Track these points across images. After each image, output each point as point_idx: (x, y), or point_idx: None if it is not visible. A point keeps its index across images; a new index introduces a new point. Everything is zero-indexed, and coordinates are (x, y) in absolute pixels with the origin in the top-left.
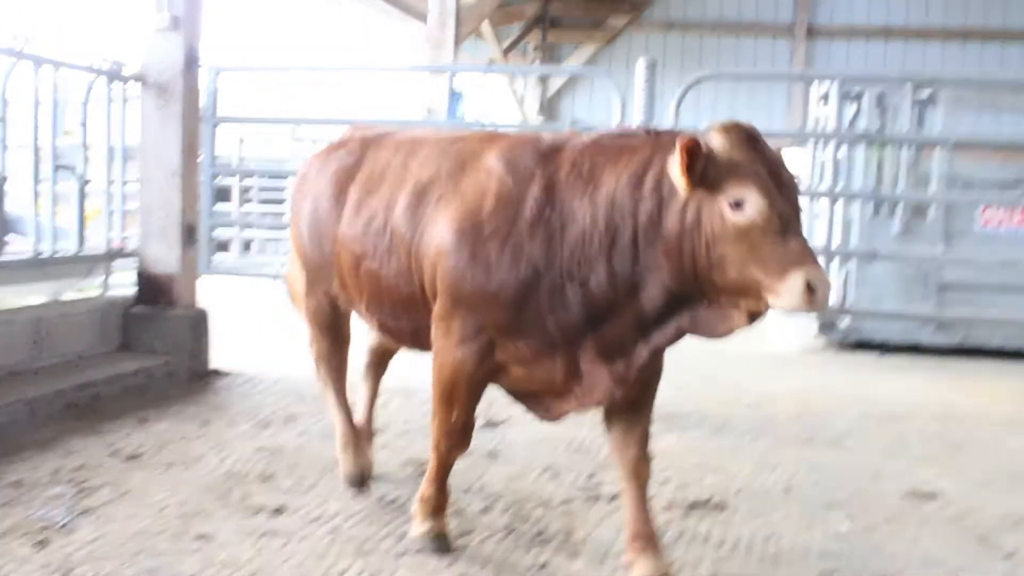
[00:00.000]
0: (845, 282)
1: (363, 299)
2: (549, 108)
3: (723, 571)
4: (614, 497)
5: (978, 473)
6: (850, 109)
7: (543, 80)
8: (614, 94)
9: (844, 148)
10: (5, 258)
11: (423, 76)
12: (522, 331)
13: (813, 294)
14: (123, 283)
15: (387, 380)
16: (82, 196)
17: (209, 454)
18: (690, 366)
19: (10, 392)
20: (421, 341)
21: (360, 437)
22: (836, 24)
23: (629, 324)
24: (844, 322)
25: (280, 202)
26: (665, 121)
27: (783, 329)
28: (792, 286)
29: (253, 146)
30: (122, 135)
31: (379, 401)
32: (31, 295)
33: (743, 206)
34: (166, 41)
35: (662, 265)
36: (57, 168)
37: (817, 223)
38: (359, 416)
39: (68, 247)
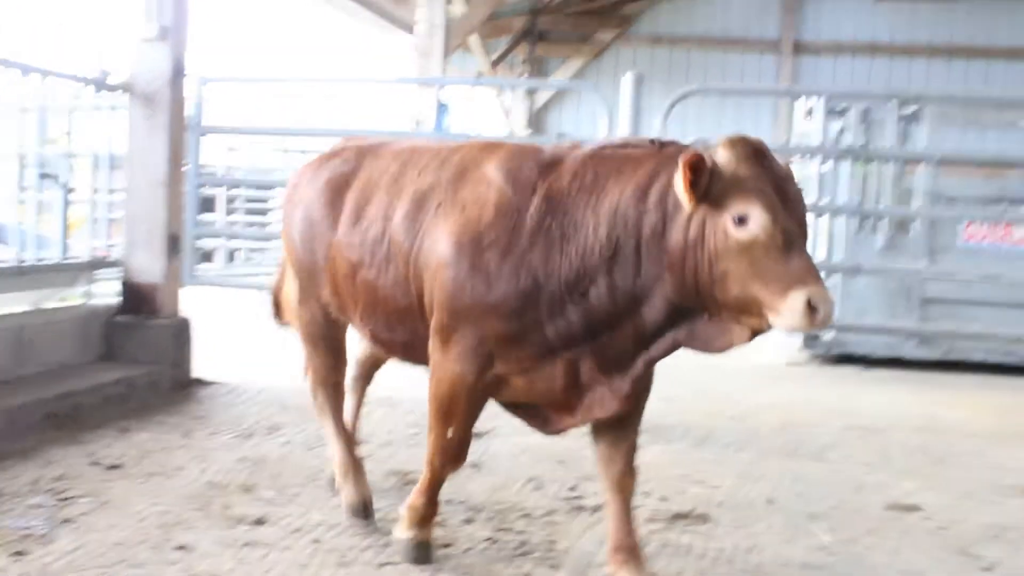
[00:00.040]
0: None
1: (358, 308)
2: (536, 121)
3: None
4: (597, 508)
5: (960, 485)
6: (835, 125)
7: (531, 93)
8: (601, 108)
9: (829, 163)
10: None
11: (411, 88)
12: (522, 343)
13: (814, 313)
14: (106, 292)
15: (371, 390)
16: (65, 205)
17: (191, 464)
18: (674, 378)
19: None
20: (414, 353)
21: (361, 465)
22: (822, 40)
23: (629, 337)
24: (828, 335)
25: (265, 213)
26: (652, 135)
27: (767, 342)
28: (793, 304)
29: (240, 156)
30: (108, 144)
31: (363, 411)
32: (13, 303)
33: (746, 222)
34: (154, 51)
35: (665, 279)
36: (42, 176)
37: None
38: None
39: (51, 255)
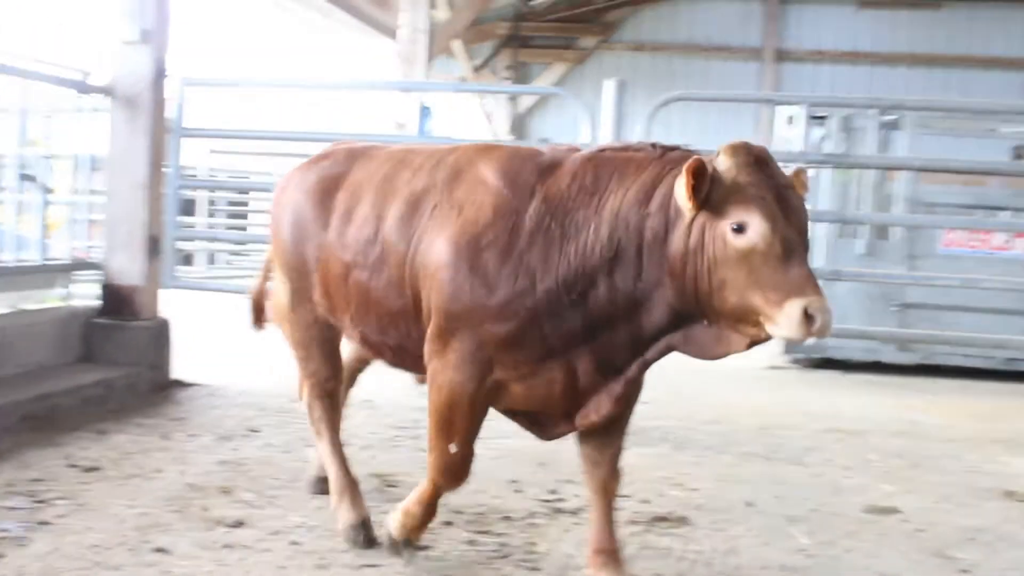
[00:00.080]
0: None
1: (349, 310)
2: (519, 126)
3: None
4: (577, 511)
5: (937, 489)
6: (817, 132)
7: (513, 98)
8: (583, 114)
9: (810, 170)
10: None
11: (394, 92)
12: (522, 346)
13: (812, 323)
14: (86, 294)
15: (353, 393)
16: (45, 206)
17: (169, 466)
18: (654, 382)
19: None
20: (405, 356)
21: (357, 485)
22: (804, 48)
23: (627, 340)
24: (808, 340)
25: (246, 216)
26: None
27: None
28: (790, 314)
29: (221, 159)
30: (88, 146)
31: (344, 413)
32: None
33: (745, 230)
34: (135, 54)
35: (665, 284)
36: (22, 178)
37: None
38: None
39: (31, 257)
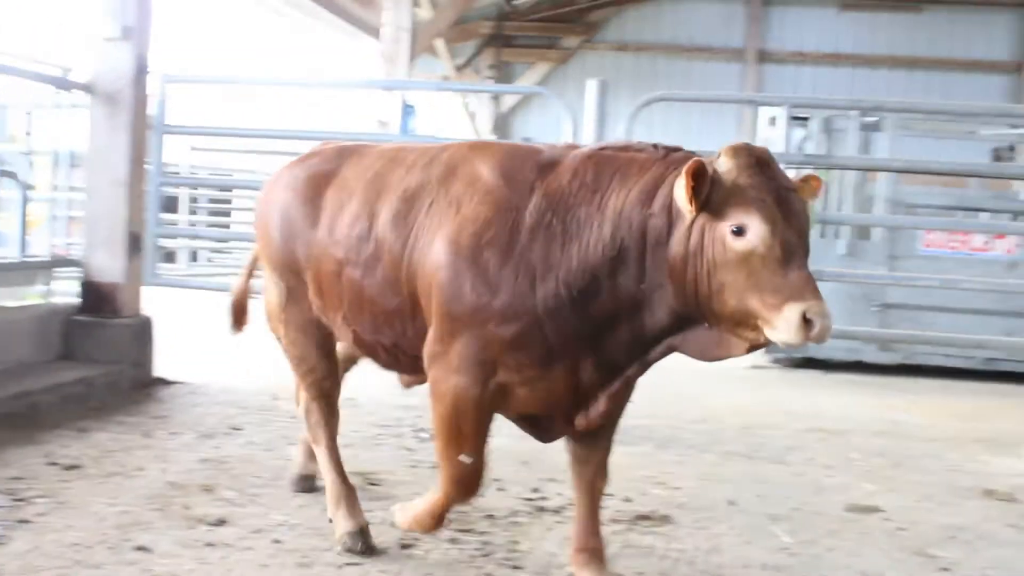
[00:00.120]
0: None
1: (341, 308)
2: (502, 125)
3: None
4: (559, 510)
5: (918, 488)
6: (798, 133)
7: (496, 98)
8: (565, 113)
9: (792, 171)
10: None
11: (376, 91)
12: (526, 347)
13: (810, 328)
14: (66, 291)
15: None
16: (25, 203)
17: (151, 464)
18: (638, 381)
19: None
20: (398, 355)
21: (355, 493)
22: (786, 50)
23: (628, 341)
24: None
25: (229, 213)
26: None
27: None
28: (788, 318)
29: (204, 157)
30: (68, 142)
31: None
32: None
33: (744, 232)
34: (116, 50)
35: (667, 286)
36: (1, 174)
37: None
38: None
39: (10, 254)
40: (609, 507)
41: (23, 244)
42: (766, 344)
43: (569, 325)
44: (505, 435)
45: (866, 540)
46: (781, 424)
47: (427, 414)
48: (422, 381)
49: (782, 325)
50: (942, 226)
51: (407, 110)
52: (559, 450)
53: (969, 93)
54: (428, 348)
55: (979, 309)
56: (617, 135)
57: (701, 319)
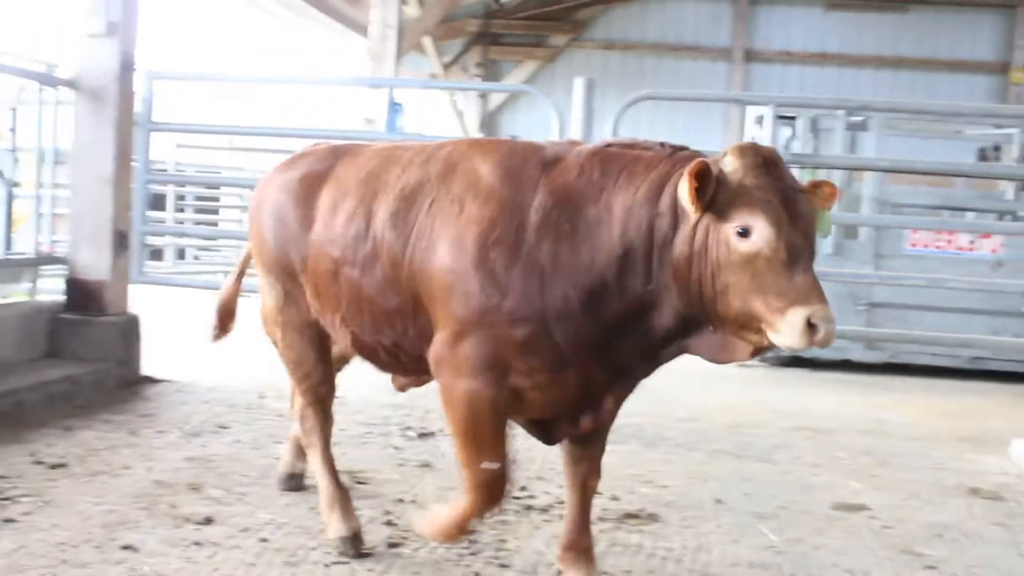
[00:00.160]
0: None
1: (339, 309)
2: (489, 123)
3: None
4: (546, 508)
5: (904, 486)
6: (785, 132)
7: (483, 96)
8: (552, 112)
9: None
10: None
11: (363, 88)
12: (537, 351)
13: (815, 333)
14: (52, 289)
15: None
16: (10, 200)
17: (137, 463)
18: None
19: None
20: (399, 356)
21: (348, 496)
22: (773, 49)
23: (638, 344)
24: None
25: (216, 211)
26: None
27: None
28: (792, 322)
29: (190, 154)
30: (53, 139)
31: None
32: None
33: (749, 234)
34: (101, 47)
35: (671, 288)
36: None
37: None
38: (297, 429)
39: None
40: (596, 505)
41: (8, 241)
42: (770, 348)
43: (579, 328)
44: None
45: (852, 538)
46: (768, 422)
47: (415, 412)
48: (418, 383)
49: (786, 329)
50: (928, 225)
51: (395, 108)
52: (546, 448)
53: (955, 93)
54: (435, 352)
55: (965, 308)
56: (604, 134)
57: (706, 321)
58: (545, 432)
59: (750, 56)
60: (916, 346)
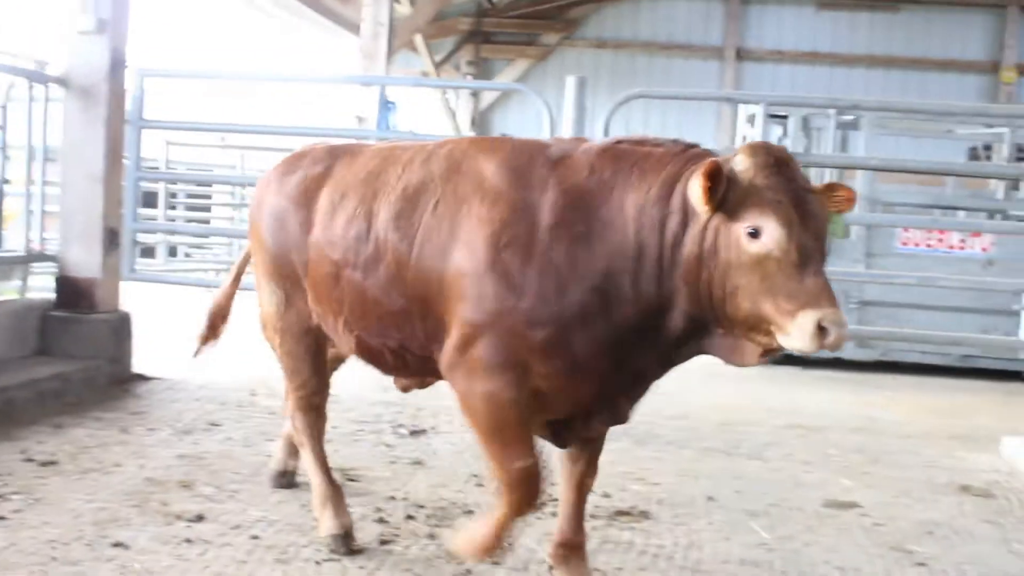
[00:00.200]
0: None
1: (342, 313)
2: (481, 121)
3: None
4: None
5: (895, 484)
6: (776, 130)
7: (475, 94)
8: (544, 110)
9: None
10: None
11: (355, 86)
12: (554, 356)
13: (825, 336)
14: (42, 287)
15: None
16: None
17: (128, 460)
18: None
19: None
20: (406, 358)
21: (341, 494)
22: (765, 48)
23: (653, 346)
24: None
25: (208, 209)
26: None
27: None
28: (802, 325)
29: (182, 152)
30: (43, 136)
31: None
32: None
33: (760, 235)
34: (91, 44)
35: (681, 289)
36: None
37: None
38: (289, 427)
39: None
40: (588, 503)
41: None
42: (779, 351)
43: (596, 330)
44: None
45: (843, 535)
46: (759, 420)
47: (407, 410)
48: (422, 385)
49: (796, 332)
50: (919, 224)
51: (387, 106)
52: (537, 445)
53: (945, 92)
54: (447, 360)
55: (955, 306)
56: (596, 132)
57: (715, 323)
58: (557, 434)
59: (742, 55)
60: (907, 344)
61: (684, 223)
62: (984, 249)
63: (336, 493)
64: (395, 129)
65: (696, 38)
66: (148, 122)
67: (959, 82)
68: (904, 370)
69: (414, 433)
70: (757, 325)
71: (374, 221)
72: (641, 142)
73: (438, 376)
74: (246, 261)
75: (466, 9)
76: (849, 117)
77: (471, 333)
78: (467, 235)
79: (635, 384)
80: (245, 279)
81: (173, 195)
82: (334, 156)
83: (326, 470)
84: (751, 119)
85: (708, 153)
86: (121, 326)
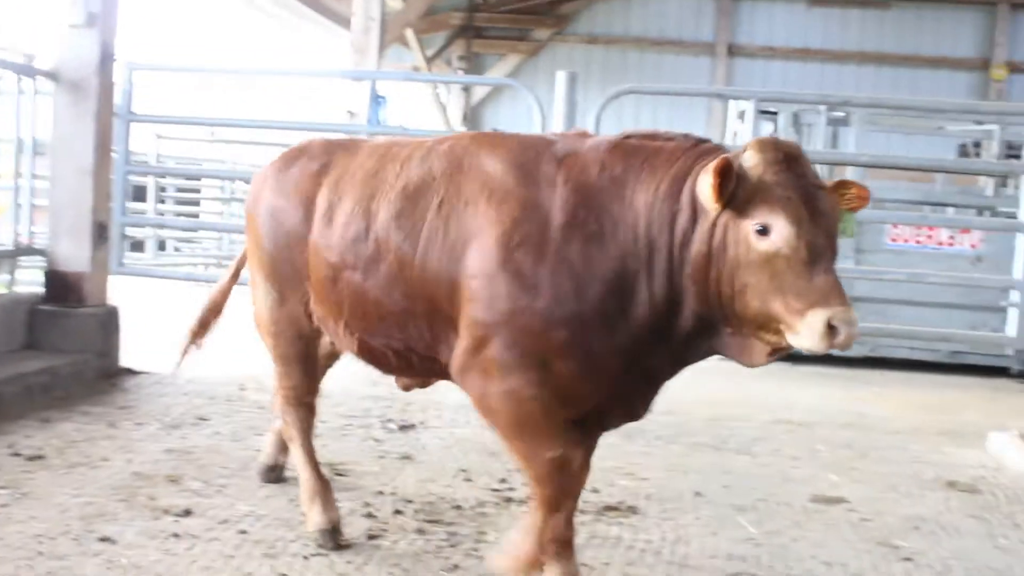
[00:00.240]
0: None
1: (342, 315)
2: (472, 116)
3: (632, 574)
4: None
5: (883, 479)
6: (767, 127)
7: (467, 89)
8: (535, 105)
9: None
10: None
11: (346, 81)
12: (573, 352)
13: (835, 335)
14: (31, 280)
15: None
16: None
17: (115, 455)
18: None
19: None
20: (410, 358)
21: (330, 489)
22: (756, 44)
23: (664, 344)
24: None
25: (197, 203)
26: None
27: None
28: (812, 324)
29: (171, 145)
30: (32, 130)
31: None
32: None
33: (769, 232)
34: (81, 37)
35: (689, 288)
36: None
37: None
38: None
39: None
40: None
41: None
42: (788, 350)
43: (612, 330)
44: (472, 425)
45: (831, 530)
46: (748, 416)
47: (396, 404)
48: (422, 384)
49: (805, 331)
50: (908, 220)
51: (377, 101)
52: None
53: (936, 89)
54: (458, 363)
55: (944, 303)
56: (587, 127)
57: (724, 322)
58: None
59: (733, 51)
60: (896, 340)
61: (693, 220)
62: (973, 245)
63: (324, 488)
64: (385, 124)
65: (687, 34)
66: (137, 116)
67: (950, 79)
68: (893, 366)
69: (403, 428)
70: (766, 324)
71: (373, 221)
72: (652, 136)
73: (443, 377)
74: (245, 258)
75: (457, 4)
76: (840, 113)
77: (484, 334)
78: (477, 236)
79: (649, 383)
80: (242, 274)
81: (162, 189)
82: (331, 152)
83: (315, 465)
84: (742, 115)
85: (719, 149)
86: (109, 320)
